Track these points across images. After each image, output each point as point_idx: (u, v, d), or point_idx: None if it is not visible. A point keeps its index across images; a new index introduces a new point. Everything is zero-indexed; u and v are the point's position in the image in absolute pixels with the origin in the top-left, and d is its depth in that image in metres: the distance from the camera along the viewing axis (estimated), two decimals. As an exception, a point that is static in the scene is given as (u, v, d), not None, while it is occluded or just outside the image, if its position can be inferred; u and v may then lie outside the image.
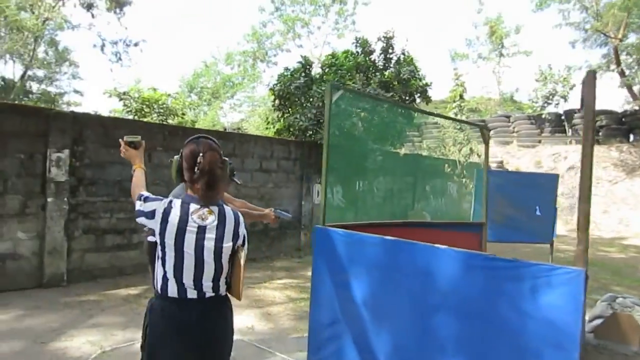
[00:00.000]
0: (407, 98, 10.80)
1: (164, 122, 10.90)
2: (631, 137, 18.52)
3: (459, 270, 3.25)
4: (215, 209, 2.09)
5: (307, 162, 9.65)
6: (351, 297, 3.74)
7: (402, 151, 12.15)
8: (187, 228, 2.00)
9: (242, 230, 2.17)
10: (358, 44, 10.86)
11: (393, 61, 10.92)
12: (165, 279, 2.04)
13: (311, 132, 9.48)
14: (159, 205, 2.05)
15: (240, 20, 54.72)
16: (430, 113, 7.44)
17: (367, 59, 10.83)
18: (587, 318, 6.17)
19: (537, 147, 19.87)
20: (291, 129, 10.15)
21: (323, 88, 9.65)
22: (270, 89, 10.39)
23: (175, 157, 2.22)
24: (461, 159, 15.11)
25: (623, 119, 18.77)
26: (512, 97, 26.15)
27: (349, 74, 10.05)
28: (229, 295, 2.19)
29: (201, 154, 2.05)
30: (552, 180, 9.23)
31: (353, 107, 9.44)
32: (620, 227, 15.38)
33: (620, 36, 16.05)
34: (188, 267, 2.01)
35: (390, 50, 10.83)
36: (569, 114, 19.43)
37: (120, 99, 12.37)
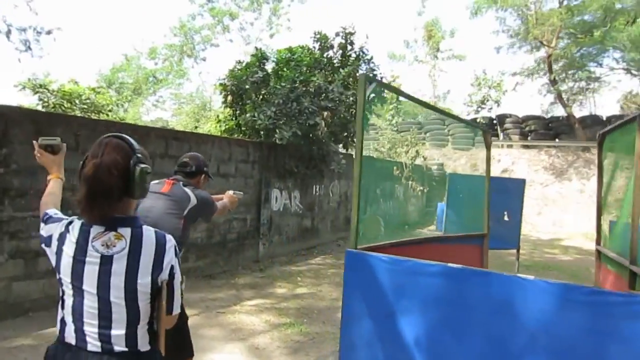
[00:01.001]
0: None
1: (115, 119, 9.46)
2: (557, 140, 19.53)
3: (552, 306, 2.63)
4: (126, 231, 1.56)
5: (266, 165, 8.75)
6: (400, 340, 3.02)
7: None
8: (87, 259, 1.52)
9: (170, 259, 1.61)
10: (316, 39, 10.12)
11: (352, 58, 10.30)
12: (63, 322, 1.58)
13: (271, 132, 8.60)
14: (56, 229, 1.61)
15: (168, 12, 51.60)
16: (455, 117, 6.89)
17: (324, 55, 10.13)
18: None
19: (472, 150, 20.37)
20: (244, 129, 9.19)
21: (283, 84, 8.82)
22: (220, 84, 9.35)
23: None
24: (408, 161, 14.93)
25: (550, 124, 19.77)
26: (444, 99, 26.89)
27: (309, 70, 9.29)
28: (158, 349, 1.66)
29: (88, 156, 1.58)
30: (519, 184, 9.10)
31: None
32: (554, 229, 16.03)
33: (553, 44, 16.79)
34: (89, 311, 1.53)
35: (349, 47, 10.20)
36: (501, 118, 20.12)
37: (36, 92, 10.67)
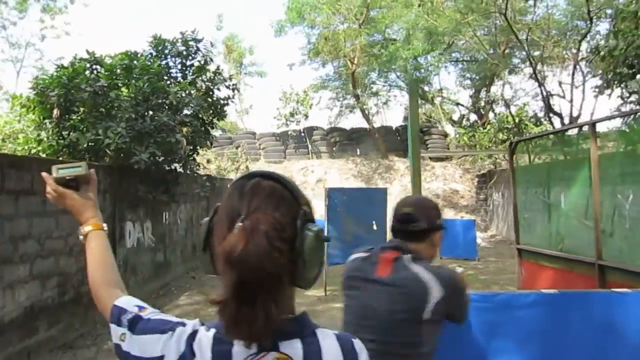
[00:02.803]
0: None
1: None
2: (358, 150, 21.36)
3: None
4: (294, 347, 0.91)
5: (118, 193, 7.10)
6: None
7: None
8: None
9: None
10: (154, 44, 8.73)
11: (193, 67, 9.23)
12: None
13: (123, 153, 7.02)
14: (166, 348, 0.92)
15: None
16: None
17: (164, 62, 8.84)
18: None
19: (284, 162, 20.75)
20: (76, 150, 7.31)
21: (131, 95, 7.33)
22: (38, 93, 7.22)
23: (206, 219, 1.06)
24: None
25: (352, 135, 21.52)
26: (246, 113, 26.82)
27: (157, 78, 7.93)
28: None
29: (220, 211, 1.00)
30: (382, 194, 9.43)
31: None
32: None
33: (356, 62, 18.30)
34: None
35: (190, 56, 9.10)
36: (309, 131, 21.03)
37: None
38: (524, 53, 20.15)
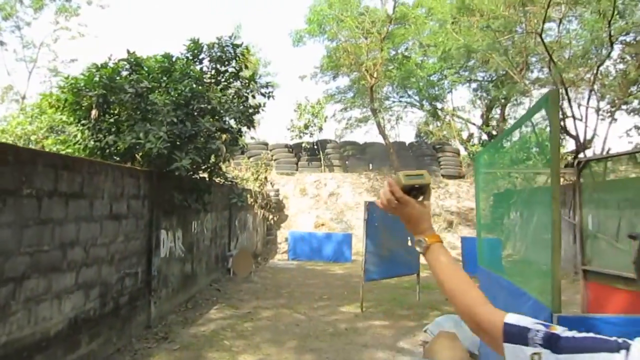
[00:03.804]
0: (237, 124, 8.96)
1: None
2: (370, 165, 21.16)
3: None
4: None
5: (156, 200, 6.83)
6: None
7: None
8: None
9: None
10: (190, 48, 8.52)
11: (228, 73, 9.02)
12: None
13: (164, 159, 6.76)
14: None
15: None
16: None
17: (199, 67, 8.63)
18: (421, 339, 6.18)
19: (296, 174, 20.50)
20: (110, 152, 7.03)
21: (172, 98, 7.09)
22: (75, 92, 6.95)
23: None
24: (256, 188, 14.00)
25: (365, 150, 21.34)
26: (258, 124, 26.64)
27: (198, 83, 7.71)
28: None
29: None
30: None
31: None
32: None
33: (376, 76, 18.20)
34: None
35: (226, 62, 8.88)
36: (323, 143, 20.84)
37: None
38: (537, 74, 20.17)
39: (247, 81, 8.90)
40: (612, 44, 14.98)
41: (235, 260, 11.00)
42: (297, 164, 20.84)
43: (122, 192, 5.89)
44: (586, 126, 17.61)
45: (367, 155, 21.21)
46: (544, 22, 12.90)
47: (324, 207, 18.70)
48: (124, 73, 7.51)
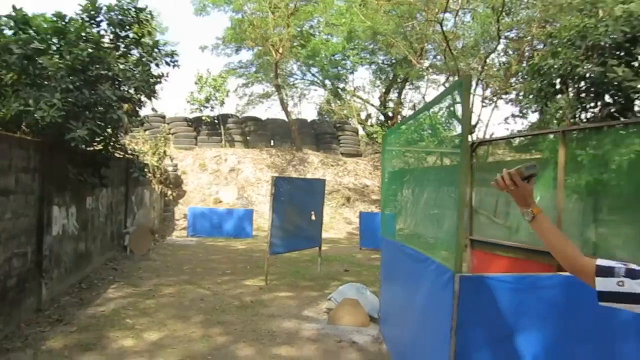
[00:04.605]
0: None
1: None
2: (272, 141, 21.19)
3: None
4: None
5: (48, 174, 6.32)
6: (519, 359, 2.91)
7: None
8: None
9: None
10: (86, 9, 7.84)
11: (128, 40, 8.48)
12: None
13: (57, 129, 6.25)
14: None
15: None
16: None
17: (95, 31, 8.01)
18: (325, 307, 6.75)
19: (195, 149, 19.92)
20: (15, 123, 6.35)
21: (67, 62, 6.55)
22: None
23: None
24: (155, 162, 13.44)
25: (267, 126, 21.28)
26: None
27: (97, 48, 7.16)
28: None
29: None
30: (322, 184, 9.48)
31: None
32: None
33: (281, 52, 18.06)
34: None
35: (127, 27, 8.32)
36: (224, 118, 20.40)
37: None
38: (432, 61, 21.53)
39: (150, 48, 8.43)
40: (499, 38, 16.43)
41: (132, 238, 10.56)
42: (196, 138, 20.26)
43: (10, 164, 5.37)
44: (472, 112, 19.26)
45: (269, 131, 21.22)
46: (444, 12, 13.77)
47: (224, 182, 18.47)
48: (8, 32, 6.75)
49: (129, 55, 8.44)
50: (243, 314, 6.42)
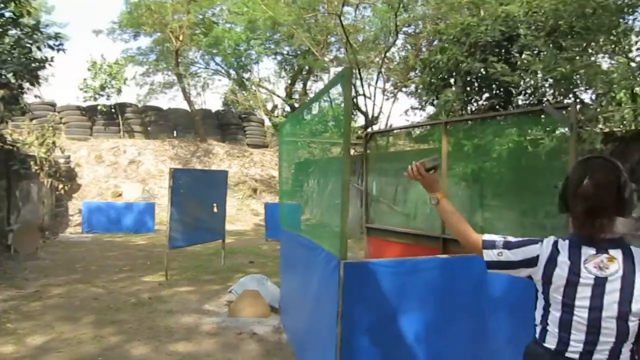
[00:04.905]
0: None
1: None
2: (175, 132, 20.40)
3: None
4: (617, 253, 1.62)
5: None
6: (404, 339, 3.13)
7: None
8: (580, 280, 1.62)
9: None
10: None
11: (3, 20, 7.72)
12: (545, 330, 1.73)
13: None
14: (540, 250, 1.72)
15: None
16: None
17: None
18: (225, 300, 6.82)
19: (90, 140, 18.63)
20: None
21: None
22: None
23: (561, 182, 1.83)
24: (42, 154, 12.39)
25: (169, 116, 20.41)
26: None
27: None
28: None
29: (587, 177, 1.66)
30: (224, 176, 9.32)
31: None
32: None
33: (182, 39, 17.29)
34: (577, 327, 1.64)
35: (3, 5, 7.57)
36: (122, 107, 19.25)
37: None
38: (336, 53, 21.96)
39: (30, 29, 7.73)
40: (397, 33, 17.12)
41: (16, 236, 9.67)
42: (91, 128, 18.95)
43: None
44: (374, 104, 19.96)
45: (171, 121, 20.40)
46: (343, 5, 14.05)
47: (123, 175, 17.51)
48: None
49: (5, 37, 7.71)
50: (139, 312, 6.16)
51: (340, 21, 14.16)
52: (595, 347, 1.59)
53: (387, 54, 19.23)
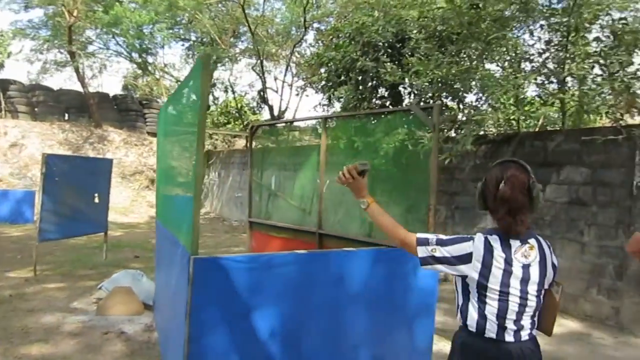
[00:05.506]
0: None
1: None
2: (66, 115, 18.85)
3: (367, 266, 3.49)
4: (533, 242, 1.93)
5: None
6: (258, 336, 3.08)
7: None
8: (513, 269, 1.86)
9: (555, 260, 2.02)
10: None
11: None
12: (482, 321, 1.90)
13: None
14: (473, 247, 1.89)
15: None
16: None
17: None
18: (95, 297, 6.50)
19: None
20: None
21: None
22: None
23: (479, 183, 2.03)
24: None
25: (60, 97, 18.79)
26: None
27: None
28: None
29: (503, 181, 1.88)
30: (108, 164, 8.72)
31: None
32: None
33: (76, 15, 15.87)
34: (512, 309, 1.88)
35: None
36: (4, 84, 17.39)
37: None
38: (245, 44, 21.57)
39: None
40: (306, 28, 17.14)
41: None
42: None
43: None
44: (281, 98, 19.87)
45: (63, 103, 18.81)
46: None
47: (2, 159, 15.86)
48: None
49: None
50: (-5, 311, 5.55)
51: (243, 9, 13.86)
52: (521, 322, 1.86)
53: (299, 50, 19.24)
